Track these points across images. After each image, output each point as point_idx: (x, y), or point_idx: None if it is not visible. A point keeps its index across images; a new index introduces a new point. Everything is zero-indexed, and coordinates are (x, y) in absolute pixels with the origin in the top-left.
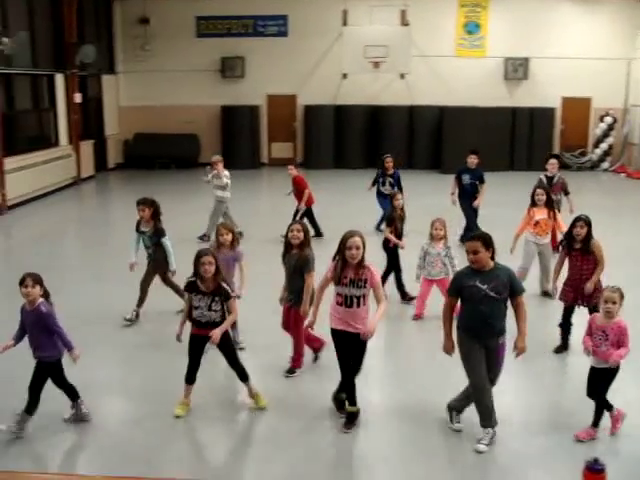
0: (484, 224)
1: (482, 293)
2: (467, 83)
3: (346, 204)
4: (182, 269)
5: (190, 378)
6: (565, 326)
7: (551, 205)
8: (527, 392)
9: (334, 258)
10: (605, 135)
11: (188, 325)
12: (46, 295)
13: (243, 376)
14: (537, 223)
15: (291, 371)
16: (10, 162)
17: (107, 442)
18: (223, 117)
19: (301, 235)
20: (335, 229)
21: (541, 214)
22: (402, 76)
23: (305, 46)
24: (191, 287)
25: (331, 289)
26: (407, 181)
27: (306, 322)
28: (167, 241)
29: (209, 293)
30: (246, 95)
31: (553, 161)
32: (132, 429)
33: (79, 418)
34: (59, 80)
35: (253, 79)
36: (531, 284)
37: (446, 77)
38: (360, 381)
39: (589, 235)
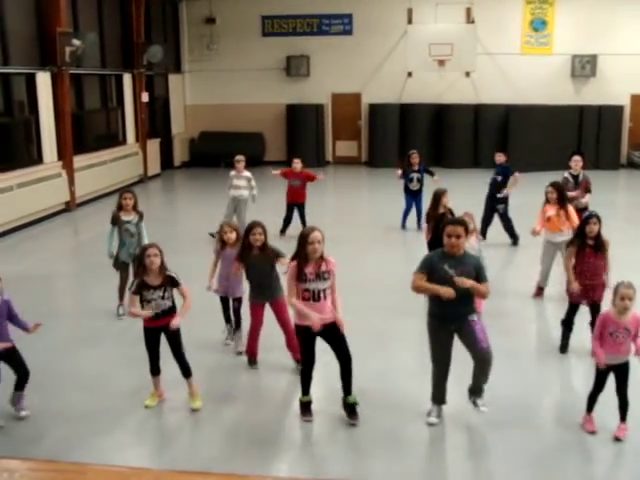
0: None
1: (449, 277)
2: (533, 81)
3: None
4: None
5: (154, 370)
6: (568, 324)
7: (563, 202)
8: (546, 391)
9: (293, 258)
10: None
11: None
12: None
13: (187, 372)
14: (549, 219)
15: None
16: (79, 160)
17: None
18: (288, 115)
19: (263, 237)
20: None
21: (551, 210)
22: (467, 74)
23: (370, 44)
24: (140, 287)
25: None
26: (472, 180)
27: (312, 324)
28: (144, 225)
29: (159, 285)
30: (311, 94)
31: (577, 158)
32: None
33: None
34: (127, 80)
35: (318, 78)
36: (552, 287)
37: (512, 75)
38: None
39: (600, 232)
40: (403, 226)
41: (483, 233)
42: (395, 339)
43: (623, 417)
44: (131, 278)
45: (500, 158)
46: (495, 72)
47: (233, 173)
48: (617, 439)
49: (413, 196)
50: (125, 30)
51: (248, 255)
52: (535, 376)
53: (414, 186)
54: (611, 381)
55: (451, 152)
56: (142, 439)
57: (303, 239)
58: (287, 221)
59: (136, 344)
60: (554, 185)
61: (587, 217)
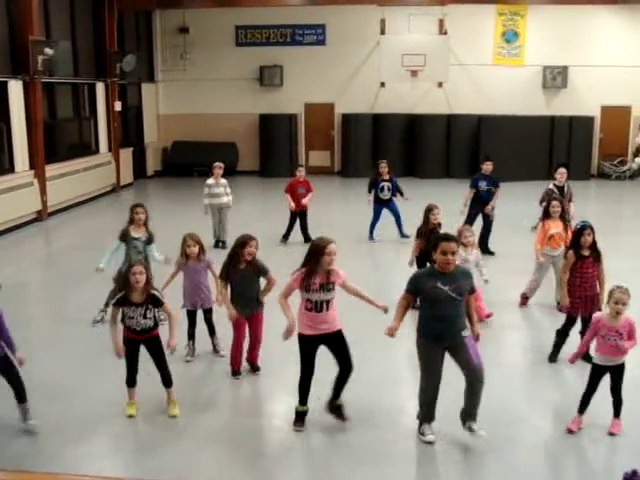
0: (518, 234)
1: (444, 294)
2: (505, 92)
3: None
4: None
5: (130, 381)
6: (564, 335)
7: (564, 217)
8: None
9: (303, 265)
10: None
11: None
12: None
13: (167, 381)
14: (552, 237)
15: (257, 369)
16: (51, 169)
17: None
18: (261, 125)
19: (255, 251)
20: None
21: (556, 227)
22: (440, 85)
23: (343, 55)
24: (121, 301)
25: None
26: (445, 189)
27: (287, 327)
28: (154, 247)
29: (141, 303)
30: (284, 103)
31: (562, 170)
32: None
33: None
34: (100, 89)
35: (291, 88)
36: (541, 296)
37: (484, 86)
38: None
39: (594, 242)
40: (371, 237)
41: (485, 245)
42: (367, 349)
43: (617, 413)
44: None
45: (489, 167)
46: (467, 83)
47: (211, 181)
48: (612, 434)
49: (384, 205)
50: (98, 39)
51: (235, 268)
52: (526, 387)
53: (385, 195)
54: (604, 382)
55: (423, 162)
56: (118, 448)
57: (320, 249)
58: (289, 230)
59: (110, 353)
60: (559, 199)
61: (581, 228)
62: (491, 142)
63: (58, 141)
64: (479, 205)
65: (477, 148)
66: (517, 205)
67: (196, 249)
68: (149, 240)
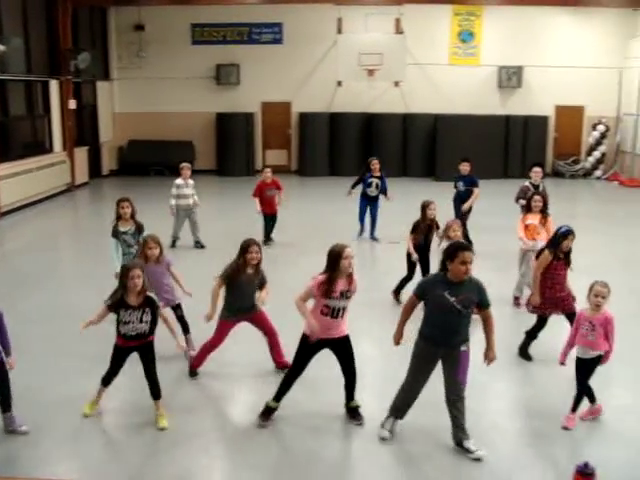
0: (477, 231)
1: (449, 305)
2: (461, 91)
3: (341, 211)
4: (185, 275)
5: (107, 381)
6: (533, 336)
7: (545, 212)
8: (510, 398)
9: (325, 272)
10: (598, 143)
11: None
12: None
13: (156, 393)
14: (527, 227)
15: (285, 367)
16: (4, 168)
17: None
18: (218, 124)
19: (259, 256)
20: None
21: (532, 219)
22: (396, 84)
23: (300, 54)
24: (118, 305)
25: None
26: (401, 188)
27: (312, 331)
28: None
29: (138, 306)
30: (241, 102)
31: (537, 169)
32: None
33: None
34: (53, 86)
35: (248, 86)
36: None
37: (440, 85)
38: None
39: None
40: (362, 231)
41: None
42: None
43: (575, 408)
44: None
45: (466, 167)
46: (424, 82)
47: (180, 182)
48: (565, 429)
49: (369, 202)
50: (51, 36)
51: (240, 274)
52: (515, 383)
53: (372, 191)
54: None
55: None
56: (76, 451)
57: (337, 254)
58: (267, 230)
59: (65, 354)
60: (542, 194)
61: (566, 232)
62: (447, 141)
63: (10, 140)
64: (459, 205)
65: (433, 147)
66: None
67: (157, 251)
68: (139, 231)
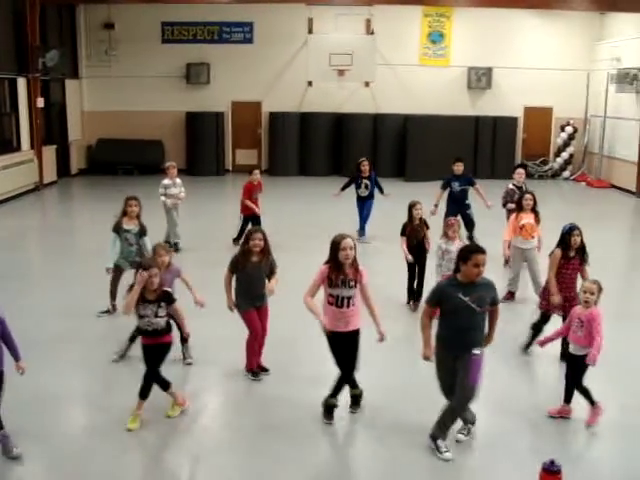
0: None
1: (464, 305)
2: (431, 92)
3: (314, 211)
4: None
5: (164, 385)
6: (538, 330)
7: (535, 210)
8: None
9: (326, 262)
10: (566, 144)
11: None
12: None
13: (144, 393)
14: (523, 227)
15: (265, 369)
16: None
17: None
18: (188, 123)
19: (262, 243)
20: (305, 236)
21: (527, 218)
22: (367, 84)
23: (270, 53)
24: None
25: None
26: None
27: (322, 326)
28: (148, 240)
29: (154, 300)
30: (211, 102)
31: (520, 170)
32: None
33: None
34: (21, 84)
35: (218, 86)
36: (522, 290)
37: (410, 86)
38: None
39: (583, 244)
40: (362, 232)
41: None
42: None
43: (567, 399)
44: (123, 282)
45: (460, 167)
46: (394, 83)
47: (167, 182)
48: (551, 415)
49: (362, 201)
50: (19, 33)
51: (245, 262)
52: (513, 378)
53: (362, 192)
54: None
55: (350, 161)
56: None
57: (336, 245)
58: (243, 231)
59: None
60: (532, 193)
61: (570, 229)
62: (417, 141)
63: None
64: (456, 205)
65: (403, 147)
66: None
67: (167, 258)
68: (142, 232)
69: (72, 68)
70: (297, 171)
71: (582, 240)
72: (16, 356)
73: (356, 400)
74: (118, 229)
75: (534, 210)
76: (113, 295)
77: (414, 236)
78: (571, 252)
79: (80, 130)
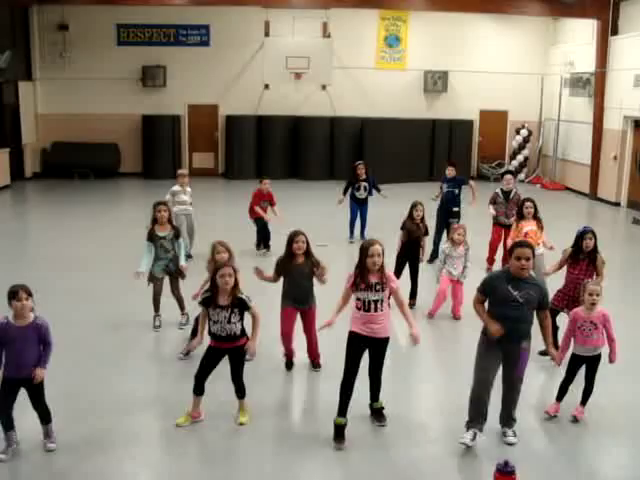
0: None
1: (512, 298)
2: (388, 95)
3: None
4: (113, 283)
5: (199, 389)
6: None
7: (537, 216)
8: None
9: (356, 268)
10: (521, 147)
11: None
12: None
13: (241, 393)
14: (526, 234)
15: (317, 365)
16: None
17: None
18: (144, 126)
19: (305, 246)
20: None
21: (529, 225)
22: (324, 87)
23: (227, 56)
24: (207, 301)
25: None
26: (328, 190)
27: (325, 322)
28: (182, 242)
29: (227, 306)
30: (167, 104)
31: (508, 177)
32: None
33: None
34: None
35: (174, 88)
36: None
37: (367, 89)
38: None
39: (595, 247)
40: (351, 236)
41: (436, 250)
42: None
43: (584, 401)
44: (164, 290)
45: (451, 172)
46: (351, 86)
47: (177, 188)
48: (575, 419)
49: (359, 205)
50: None
51: (290, 264)
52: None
53: (361, 194)
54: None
55: (308, 164)
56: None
57: (364, 251)
58: (261, 234)
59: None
60: (532, 200)
61: (583, 232)
62: (374, 144)
63: None
64: (444, 206)
65: (360, 150)
66: (397, 205)
67: (226, 255)
68: (176, 235)
69: (25, 70)
70: (254, 174)
71: (595, 244)
72: (42, 362)
73: (380, 413)
74: (152, 237)
75: (536, 217)
76: (156, 306)
77: (412, 232)
78: (581, 254)
79: (34, 133)
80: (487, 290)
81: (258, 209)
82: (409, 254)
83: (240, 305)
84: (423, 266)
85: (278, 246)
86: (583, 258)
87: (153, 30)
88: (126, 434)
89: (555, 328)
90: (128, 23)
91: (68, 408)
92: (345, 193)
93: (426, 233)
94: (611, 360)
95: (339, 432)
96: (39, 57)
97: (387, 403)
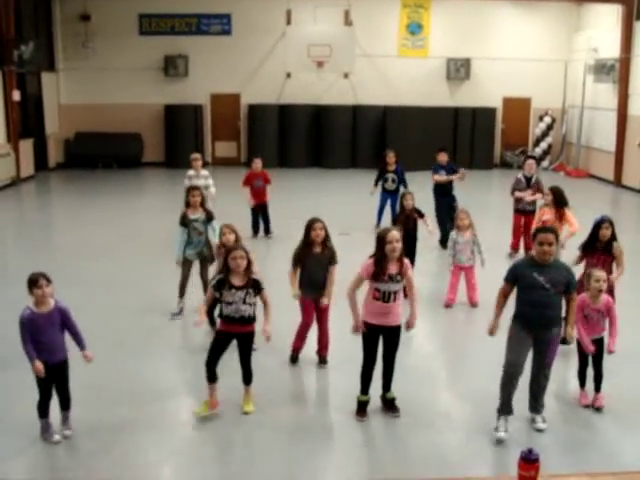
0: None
1: (539, 285)
2: (410, 83)
3: (294, 202)
4: (137, 272)
5: (212, 376)
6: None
7: (561, 204)
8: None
9: (372, 256)
10: (544, 134)
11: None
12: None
13: (248, 379)
14: (543, 223)
15: (324, 361)
16: None
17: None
18: (166, 116)
19: (323, 233)
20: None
21: (549, 214)
22: (346, 76)
23: (249, 45)
24: (221, 284)
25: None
26: (351, 180)
27: (353, 327)
28: (216, 223)
29: (243, 286)
30: (189, 94)
31: (530, 162)
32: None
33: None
34: None
35: (197, 78)
36: None
37: (389, 77)
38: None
39: (613, 236)
40: (378, 224)
41: (445, 239)
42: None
43: (598, 387)
44: (194, 275)
45: (444, 157)
46: (373, 74)
47: (192, 172)
48: (598, 409)
49: (390, 194)
50: None
51: (308, 252)
52: None
53: (389, 186)
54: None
55: (330, 152)
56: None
57: (381, 239)
58: (257, 224)
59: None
60: (551, 189)
61: (600, 222)
62: (396, 133)
63: None
64: (442, 194)
65: (382, 138)
66: (422, 193)
67: (232, 237)
68: (209, 218)
69: (48, 61)
70: (277, 163)
71: (613, 233)
72: (82, 345)
73: (393, 404)
74: (185, 220)
75: (559, 203)
76: (182, 291)
77: (404, 225)
78: (599, 244)
79: (57, 123)
80: (514, 277)
81: (246, 192)
82: (408, 247)
83: (255, 286)
84: (439, 253)
85: (281, 233)
86: (601, 248)
87: (175, 20)
88: (148, 422)
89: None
90: (150, 13)
91: (92, 396)
92: (376, 184)
93: (421, 215)
94: (610, 350)
95: (362, 407)
96: (62, 48)
97: (406, 392)
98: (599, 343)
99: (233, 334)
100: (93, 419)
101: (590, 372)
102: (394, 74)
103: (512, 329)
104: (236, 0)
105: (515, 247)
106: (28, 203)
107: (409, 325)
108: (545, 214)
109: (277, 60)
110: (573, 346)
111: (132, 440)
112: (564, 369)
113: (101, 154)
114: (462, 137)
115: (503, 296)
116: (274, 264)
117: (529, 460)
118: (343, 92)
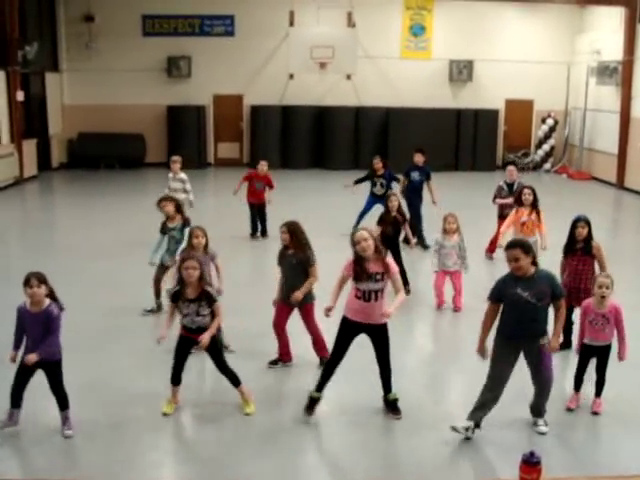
0: (430, 224)
1: (523, 300)
2: (412, 85)
3: (295, 204)
4: (138, 273)
5: (176, 379)
6: (567, 325)
7: (536, 206)
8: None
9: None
10: (547, 137)
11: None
12: (53, 295)
13: (234, 381)
14: (524, 224)
15: (322, 361)
16: None
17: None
18: (169, 117)
19: (286, 236)
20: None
21: (525, 216)
22: (348, 77)
23: (252, 46)
24: (176, 296)
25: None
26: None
27: (325, 308)
28: (187, 229)
29: (195, 299)
30: (192, 95)
31: (511, 168)
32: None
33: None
34: (0, 77)
35: (199, 79)
36: None
37: (392, 78)
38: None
39: (589, 235)
40: (356, 226)
41: (422, 239)
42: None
43: (598, 393)
44: (167, 282)
45: (420, 159)
46: (375, 75)
47: (170, 175)
48: (595, 414)
49: (378, 199)
50: None
51: (283, 254)
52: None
53: (378, 191)
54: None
55: (332, 154)
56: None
57: (351, 240)
58: (255, 223)
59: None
60: (531, 188)
61: (575, 220)
62: (399, 134)
63: None
64: (414, 195)
65: (385, 140)
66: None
67: (203, 240)
68: (184, 224)
69: (52, 61)
70: (279, 164)
71: (589, 232)
72: (40, 350)
73: (394, 405)
74: (164, 229)
75: (534, 206)
76: (157, 293)
77: (390, 227)
78: (577, 244)
79: (61, 123)
80: (498, 296)
81: (238, 183)
82: (392, 249)
83: (207, 298)
84: (422, 254)
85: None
86: (580, 248)
87: (178, 21)
88: (148, 422)
89: (570, 323)
90: (153, 14)
91: (92, 396)
92: (358, 183)
93: (405, 220)
94: (620, 358)
95: (311, 404)
96: (65, 48)
97: (403, 395)
98: (605, 350)
99: (192, 340)
100: (93, 419)
101: (587, 377)
102: (397, 76)
103: (496, 344)
104: (239, 1)
105: (491, 251)
106: (31, 203)
107: (383, 313)
108: (523, 215)
109: (280, 61)
110: (573, 347)
111: (132, 440)
112: (565, 373)
113: (104, 154)
114: (464, 139)
115: (490, 318)
116: (268, 265)
117: (531, 463)
118: (346, 94)
